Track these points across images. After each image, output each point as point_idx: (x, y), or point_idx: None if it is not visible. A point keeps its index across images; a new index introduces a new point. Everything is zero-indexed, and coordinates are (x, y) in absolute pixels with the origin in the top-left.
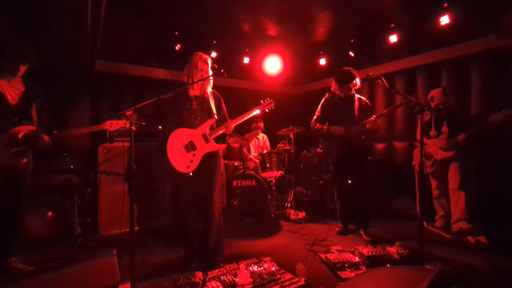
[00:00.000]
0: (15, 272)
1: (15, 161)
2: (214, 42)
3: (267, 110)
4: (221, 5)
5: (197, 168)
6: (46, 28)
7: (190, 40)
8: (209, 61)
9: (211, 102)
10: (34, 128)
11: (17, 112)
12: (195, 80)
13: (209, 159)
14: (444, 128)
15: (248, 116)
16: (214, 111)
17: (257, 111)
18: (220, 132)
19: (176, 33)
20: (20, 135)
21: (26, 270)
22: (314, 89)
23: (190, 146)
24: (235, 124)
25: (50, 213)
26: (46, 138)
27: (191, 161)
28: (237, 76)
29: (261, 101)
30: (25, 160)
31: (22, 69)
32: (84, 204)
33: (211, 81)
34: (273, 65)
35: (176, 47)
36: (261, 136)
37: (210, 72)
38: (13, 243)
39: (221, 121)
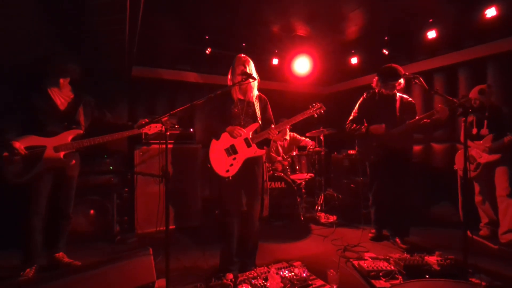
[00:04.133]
0: (63, 265)
1: (65, 162)
2: (244, 45)
3: (315, 115)
4: (252, 8)
5: (239, 174)
6: (88, 39)
7: (220, 43)
8: (250, 64)
9: (256, 106)
10: (82, 132)
11: (66, 117)
12: (235, 83)
13: (253, 166)
14: (484, 130)
15: (295, 122)
16: (259, 115)
17: (305, 117)
18: (263, 137)
19: (207, 37)
20: (69, 139)
21: (72, 264)
22: (345, 89)
23: (231, 150)
24: (279, 130)
25: (92, 211)
26: (91, 141)
27: (231, 165)
28: (265, 77)
29: (310, 106)
30: (73, 161)
31: (63, 81)
32: (122, 203)
33: (255, 85)
34: (302, 65)
35: (207, 51)
36: (289, 135)
37: (255, 75)
38: (61, 239)
39: (265, 126)
